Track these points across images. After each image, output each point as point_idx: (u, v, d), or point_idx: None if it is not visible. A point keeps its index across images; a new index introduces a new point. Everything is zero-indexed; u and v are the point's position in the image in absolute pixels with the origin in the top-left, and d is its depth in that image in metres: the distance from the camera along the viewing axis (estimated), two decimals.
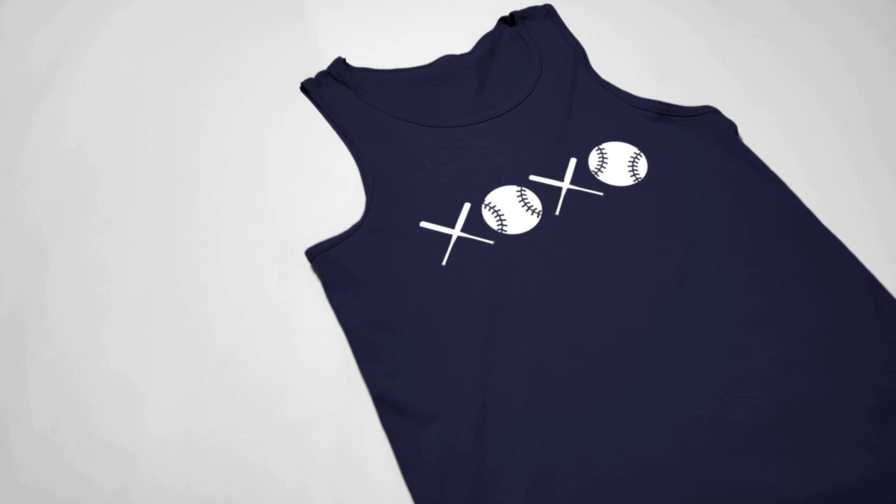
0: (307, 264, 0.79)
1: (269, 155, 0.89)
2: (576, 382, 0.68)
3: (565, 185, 0.81)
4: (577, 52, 0.92)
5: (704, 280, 0.74)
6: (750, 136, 0.86)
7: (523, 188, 0.81)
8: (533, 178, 0.82)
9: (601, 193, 0.80)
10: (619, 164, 0.82)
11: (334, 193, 0.84)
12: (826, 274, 0.74)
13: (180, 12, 1.07)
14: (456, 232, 0.78)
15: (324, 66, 0.94)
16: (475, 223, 0.79)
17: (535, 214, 0.79)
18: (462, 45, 0.95)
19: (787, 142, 0.86)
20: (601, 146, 0.83)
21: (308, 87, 0.92)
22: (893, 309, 0.72)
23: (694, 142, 0.83)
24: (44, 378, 0.73)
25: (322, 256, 0.77)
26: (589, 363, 0.69)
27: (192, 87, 0.97)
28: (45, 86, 0.98)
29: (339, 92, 0.91)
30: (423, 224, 0.78)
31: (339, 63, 0.93)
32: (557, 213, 0.79)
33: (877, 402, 0.66)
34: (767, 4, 1.02)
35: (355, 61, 0.95)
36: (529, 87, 0.89)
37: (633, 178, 0.81)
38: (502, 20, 0.96)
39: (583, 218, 0.78)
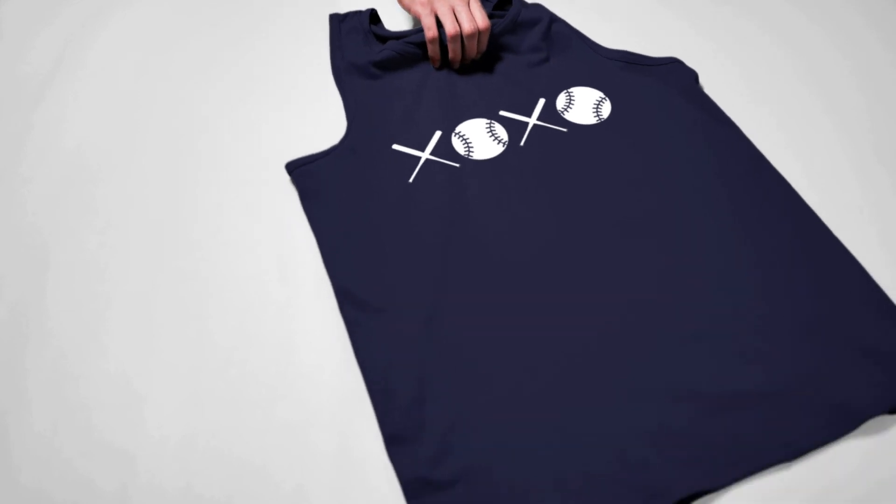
0: (306, 263, 0.79)
1: (269, 155, 0.89)
2: (516, 289, 0.74)
3: (532, 120, 0.88)
4: (554, 16, 0.98)
5: (653, 207, 0.79)
6: (750, 136, 0.86)
7: (492, 121, 0.88)
8: (503, 113, 0.88)
9: (565, 129, 0.86)
10: (584, 105, 0.89)
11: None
12: (775, 205, 0.78)
13: (180, 13, 1.07)
14: (425, 155, 0.85)
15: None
16: (444, 149, 0.85)
17: (501, 144, 0.86)
18: None
19: (787, 142, 0.86)
20: (570, 90, 0.90)
21: (332, 21, 0.98)
22: (823, 236, 0.75)
23: (656, 88, 0.89)
24: (44, 379, 0.73)
25: (300, 170, 0.84)
26: (531, 274, 0.75)
27: (192, 87, 0.97)
28: (46, 86, 0.98)
29: (353, 34, 0.96)
30: (396, 146, 0.85)
31: (367, 13, 0.97)
32: (522, 143, 0.85)
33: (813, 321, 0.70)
34: (768, 4, 1.02)
35: None
36: (508, 35, 0.94)
37: (597, 118, 0.87)
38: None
39: (545, 149, 0.85)
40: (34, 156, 0.91)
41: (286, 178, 0.87)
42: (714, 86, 0.92)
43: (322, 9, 1.05)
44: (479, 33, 0.88)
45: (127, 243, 0.82)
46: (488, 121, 0.87)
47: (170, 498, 0.66)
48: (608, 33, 0.99)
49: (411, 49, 0.92)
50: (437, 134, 0.86)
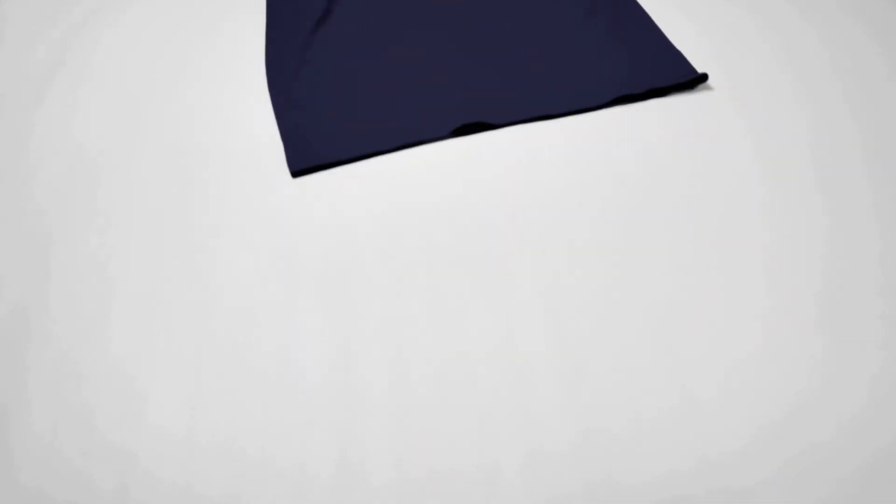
0: (306, 263, 0.79)
1: (270, 153, 0.89)
2: (395, 10, 1.07)
3: None
4: None
5: None
6: (749, 135, 0.86)
7: None
8: None
9: None
10: None
11: None
12: None
13: (181, 12, 1.07)
14: None
15: None
16: None
17: None
18: None
19: (786, 142, 0.86)
20: None
21: None
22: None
23: None
24: (44, 378, 0.73)
25: None
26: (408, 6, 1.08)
27: (193, 86, 0.97)
28: (47, 86, 0.98)
29: None
30: None
31: None
32: None
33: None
34: (769, 4, 1.02)
35: None
36: None
37: None
38: None
39: None
40: (36, 155, 0.91)
41: (289, 177, 0.87)
42: (714, 85, 0.92)
43: None
44: None
45: (128, 243, 0.82)
46: None
47: (170, 497, 0.65)
48: None
49: None
50: None
